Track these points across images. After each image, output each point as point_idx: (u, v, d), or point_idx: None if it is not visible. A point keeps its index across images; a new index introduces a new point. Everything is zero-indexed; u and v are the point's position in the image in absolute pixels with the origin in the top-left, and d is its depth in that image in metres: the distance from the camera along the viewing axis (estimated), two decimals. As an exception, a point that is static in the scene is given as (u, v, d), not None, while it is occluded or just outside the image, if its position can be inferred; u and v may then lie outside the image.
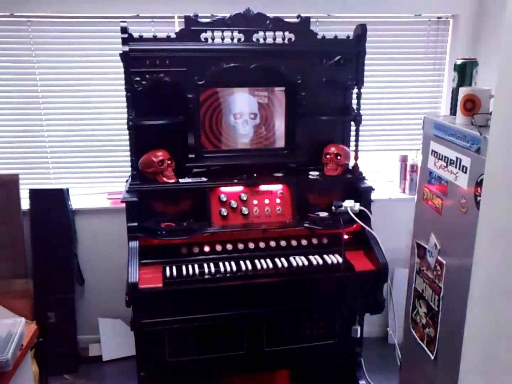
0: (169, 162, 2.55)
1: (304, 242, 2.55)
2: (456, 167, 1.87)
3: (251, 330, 2.62)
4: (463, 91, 1.86)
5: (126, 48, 2.39)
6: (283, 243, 2.52)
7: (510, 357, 1.21)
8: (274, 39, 2.55)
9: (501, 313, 1.25)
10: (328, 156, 2.71)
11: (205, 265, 2.39)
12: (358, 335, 2.67)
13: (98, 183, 3.22)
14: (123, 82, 2.44)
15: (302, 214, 2.59)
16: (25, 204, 3.02)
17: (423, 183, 2.17)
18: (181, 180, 2.57)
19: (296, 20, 2.57)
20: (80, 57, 2.97)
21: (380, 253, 2.46)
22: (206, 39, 2.48)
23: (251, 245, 2.49)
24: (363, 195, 2.62)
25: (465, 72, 2.01)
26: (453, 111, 2.05)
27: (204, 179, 2.59)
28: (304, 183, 2.66)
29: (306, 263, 2.44)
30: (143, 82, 2.43)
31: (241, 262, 2.42)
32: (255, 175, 2.67)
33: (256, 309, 2.41)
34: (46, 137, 3.09)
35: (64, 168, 3.16)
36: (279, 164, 2.74)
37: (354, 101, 2.71)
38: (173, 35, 2.46)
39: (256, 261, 2.42)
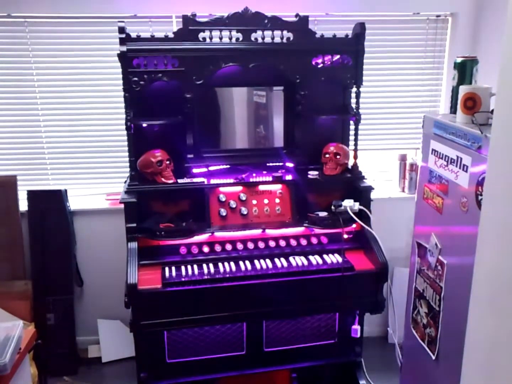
0: (167, 162, 2.54)
1: (303, 242, 2.54)
2: (456, 166, 1.86)
3: (250, 330, 2.62)
4: (463, 89, 1.86)
5: (124, 48, 2.38)
6: (282, 243, 2.51)
7: (513, 357, 1.20)
8: (273, 38, 2.54)
9: (503, 313, 1.24)
10: (327, 156, 2.70)
11: (204, 266, 2.38)
12: (358, 334, 2.66)
13: (97, 184, 3.21)
14: (121, 82, 2.43)
15: (302, 214, 2.58)
16: (23, 205, 3.01)
17: (423, 182, 2.16)
18: (180, 181, 2.55)
19: (294, 19, 2.56)
20: (78, 57, 2.96)
21: (380, 252, 2.45)
22: (204, 39, 2.47)
23: (251, 245, 2.48)
24: (362, 194, 2.61)
25: (465, 70, 2.01)
26: (453, 110, 2.04)
27: (203, 179, 2.58)
28: (303, 183, 2.64)
29: (305, 263, 2.43)
30: (141, 82, 2.42)
31: (241, 263, 2.41)
32: (254, 175, 2.66)
33: (255, 309, 2.39)
34: (44, 138, 3.08)
35: (62, 169, 3.15)
36: (278, 163, 2.73)
37: (353, 100, 2.70)
38: (171, 35, 2.45)
39: (256, 262, 2.41)
